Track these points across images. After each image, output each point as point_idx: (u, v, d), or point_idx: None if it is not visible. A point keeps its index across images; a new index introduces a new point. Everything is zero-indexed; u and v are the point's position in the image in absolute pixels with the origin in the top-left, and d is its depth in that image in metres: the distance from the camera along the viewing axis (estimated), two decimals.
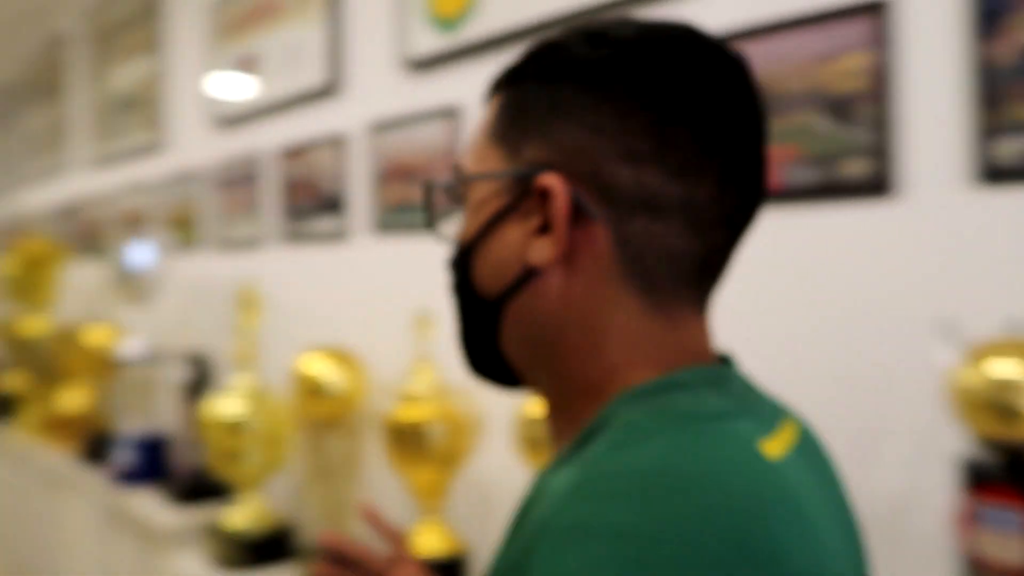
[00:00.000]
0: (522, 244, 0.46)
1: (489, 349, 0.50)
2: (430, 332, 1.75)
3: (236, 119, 2.70)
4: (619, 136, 0.43)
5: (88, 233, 3.76)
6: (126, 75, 3.44)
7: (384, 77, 2.12)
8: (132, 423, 2.78)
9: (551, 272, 0.46)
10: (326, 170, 2.30)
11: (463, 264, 0.50)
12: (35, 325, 3.43)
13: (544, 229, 0.46)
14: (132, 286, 2.89)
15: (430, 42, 1.94)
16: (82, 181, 3.90)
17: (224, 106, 2.75)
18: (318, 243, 2.36)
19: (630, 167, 0.43)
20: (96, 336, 3.00)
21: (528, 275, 0.46)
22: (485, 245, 0.48)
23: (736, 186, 0.45)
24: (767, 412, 0.46)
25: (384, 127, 2.09)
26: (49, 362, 3.33)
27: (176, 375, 2.54)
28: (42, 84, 4.36)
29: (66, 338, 3.13)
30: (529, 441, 1.42)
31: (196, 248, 2.93)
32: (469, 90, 1.87)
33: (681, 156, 0.43)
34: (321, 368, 1.96)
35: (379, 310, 2.12)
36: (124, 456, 2.49)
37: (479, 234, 0.49)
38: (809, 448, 0.48)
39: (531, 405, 1.45)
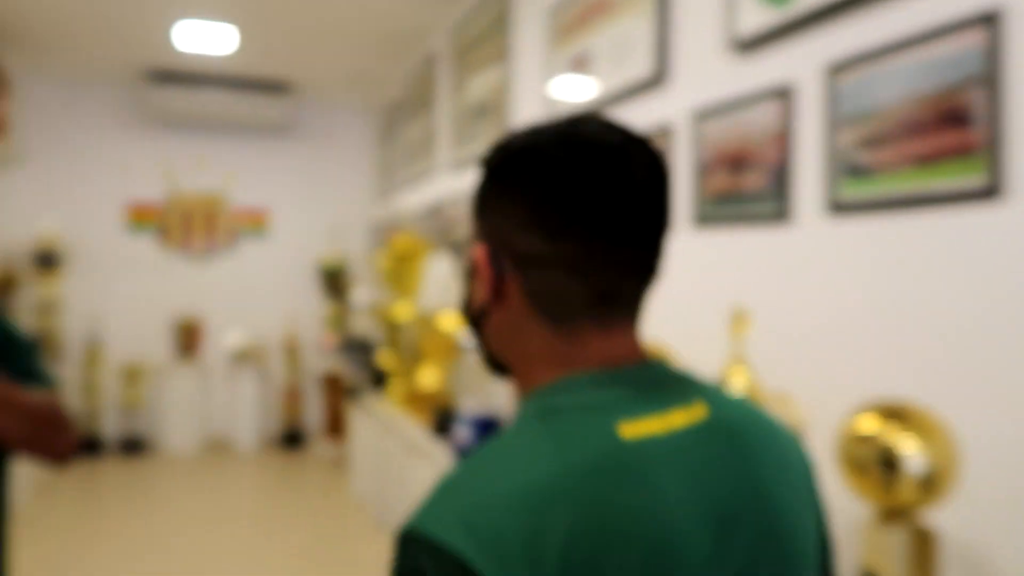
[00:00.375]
0: (479, 290, 0.68)
1: (485, 353, 0.71)
2: (745, 330, 1.61)
3: None
4: (515, 217, 0.62)
5: (446, 230, 4.20)
6: (479, 85, 3.77)
7: (711, 61, 2.01)
8: (471, 403, 3.02)
9: (494, 308, 0.66)
10: None
11: (466, 297, 0.71)
12: (403, 311, 3.92)
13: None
14: None
15: (759, 19, 1.79)
16: (443, 183, 4.37)
17: (559, 106, 2.86)
18: None
19: (523, 236, 0.62)
20: (446, 323, 3.33)
21: (483, 309, 0.67)
22: (470, 287, 0.70)
23: (605, 240, 0.60)
24: (657, 401, 0.61)
25: (709, 113, 1.99)
26: (413, 344, 3.79)
27: None
28: (418, 99, 5.00)
29: (425, 324, 3.53)
30: (853, 462, 1.23)
31: None
32: (801, 66, 1.68)
33: (551, 226, 0.61)
34: None
35: (694, 306, 2.02)
36: (462, 432, 2.71)
37: (467, 279, 0.70)
38: (713, 430, 0.61)
39: (859, 420, 1.25)
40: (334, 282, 6.08)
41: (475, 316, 0.69)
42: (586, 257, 0.60)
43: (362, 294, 5.09)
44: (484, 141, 3.68)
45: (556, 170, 0.61)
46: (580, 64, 2.71)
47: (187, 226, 6.07)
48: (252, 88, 5.76)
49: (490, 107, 3.64)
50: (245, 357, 5.92)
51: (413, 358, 3.84)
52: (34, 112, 5.73)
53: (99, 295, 5.86)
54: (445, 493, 0.55)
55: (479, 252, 0.65)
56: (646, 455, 0.57)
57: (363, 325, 5.61)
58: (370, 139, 6.51)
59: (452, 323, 3.30)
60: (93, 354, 5.72)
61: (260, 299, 6.21)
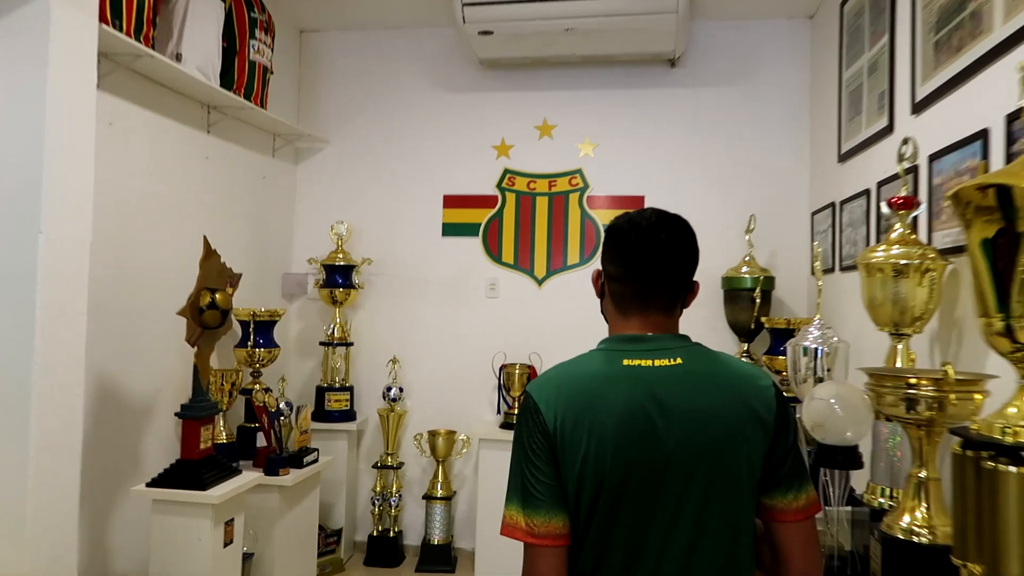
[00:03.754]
0: (597, 289, 1.46)
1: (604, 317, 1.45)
2: None
3: None
4: (607, 257, 1.36)
5: None
6: None
7: None
8: None
9: (602, 300, 1.43)
10: None
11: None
12: None
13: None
14: None
15: None
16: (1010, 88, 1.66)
17: None
18: None
19: (609, 265, 1.36)
20: None
21: (600, 299, 1.44)
22: (595, 287, 1.47)
23: (635, 274, 1.31)
24: (650, 353, 1.27)
25: None
26: None
27: None
28: None
29: None
30: None
31: None
32: None
33: (619, 264, 1.34)
34: None
35: None
36: None
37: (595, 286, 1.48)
38: (680, 371, 1.26)
39: None
40: (744, 313, 3.59)
41: (601, 300, 1.43)
42: (629, 279, 1.31)
43: (814, 334, 2.52)
44: None
45: (623, 239, 1.32)
46: None
47: (524, 225, 4.11)
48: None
49: None
50: None
51: None
52: (336, 80, 4.27)
53: (402, 325, 4.16)
54: (543, 373, 1.31)
55: (595, 274, 1.41)
56: (631, 373, 1.25)
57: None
58: (809, 66, 3.93)
59: None
60: (395, 414, 3.98)
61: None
